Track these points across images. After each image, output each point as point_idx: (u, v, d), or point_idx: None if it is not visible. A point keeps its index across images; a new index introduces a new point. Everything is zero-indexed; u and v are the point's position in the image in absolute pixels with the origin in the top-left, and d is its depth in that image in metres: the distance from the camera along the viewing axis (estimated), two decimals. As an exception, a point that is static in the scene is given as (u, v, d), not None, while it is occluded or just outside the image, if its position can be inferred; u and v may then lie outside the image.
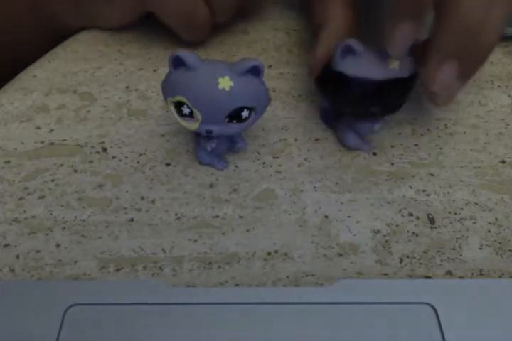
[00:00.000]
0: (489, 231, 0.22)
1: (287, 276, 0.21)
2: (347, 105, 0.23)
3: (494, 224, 0.23)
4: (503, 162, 0.25)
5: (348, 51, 0.22)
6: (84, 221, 0.23)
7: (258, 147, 0.26)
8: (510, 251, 0.22)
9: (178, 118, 0.21)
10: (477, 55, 0.21)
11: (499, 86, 0.29)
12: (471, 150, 0.26)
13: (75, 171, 0.25)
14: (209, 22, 0.29)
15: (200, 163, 0.25)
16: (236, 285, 0.21)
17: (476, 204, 0.23)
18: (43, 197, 0.24)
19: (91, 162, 0.25)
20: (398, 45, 0.21)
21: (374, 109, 0.22)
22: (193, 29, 0.29)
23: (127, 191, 0.24)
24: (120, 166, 0.25)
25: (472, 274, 0.21)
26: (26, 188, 0.24)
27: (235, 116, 0.21)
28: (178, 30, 0.29)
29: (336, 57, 0.22)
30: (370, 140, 0.26)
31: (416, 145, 0.26)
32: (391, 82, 0.22)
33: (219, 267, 0.21)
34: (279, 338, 0.19)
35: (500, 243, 0.22)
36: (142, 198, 0.24)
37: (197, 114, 0.21)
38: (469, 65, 0.21)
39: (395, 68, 0.22)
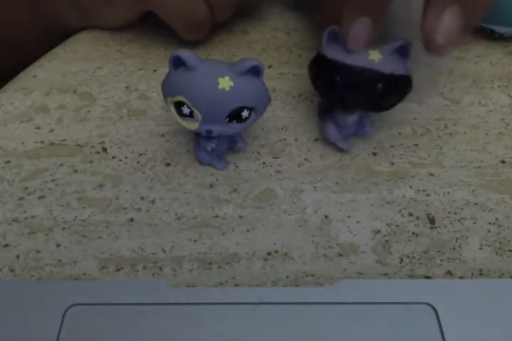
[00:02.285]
0: (489, 231, 0.22)
1: (287, 276, 0.21)
2: (323, 88, 0.23)
3: (494, 224, 0.23)
4: (503, 162, 0.25)
5: (334, 37, 0.22)
6: (84, 221, 0.23)
7: (258, 147, 0.26)
8: (510, 251, 0.22)
9: (178, 118, 0.21)
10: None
11: (499, 86, 0.29)
12: (471, 150, 0.26)
13: (75, 171, 0.25)
14: (209, 21, 0.29)
15: (200, 163, 0.25)
16: (236, 285, 0.21)
17: (476, 204, 0.23)
18: (43, 197, 0.24)
19: (91, 162, 0.25)
20: (355, 40, 0.22)
21: (348, 97, 0.22)
22: (192, 28, 0.29)
23: (127, 191, 0.24)
24: (120, 166, 0.25)
25: (472, 274, 0.21)
26: (26, 188, 0.24)
27: (235, 116, 0.21)
28: (178, 30, 0.29)
29: (322, 41, 0.23)
30: (353, 140, 0.26)
31: (416, 145, 0.26)
32: (368, 72, 0.22)
33: (219, 267, 0.21)
34: (279, 338, 0.19)
35: (500, 243, 0.22)
36: (142, 198, 0.24)
37: (197, 114, 0.21)
38: (472, 9, 0.21)
39: (374, 60, 0.22)
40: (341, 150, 0.25)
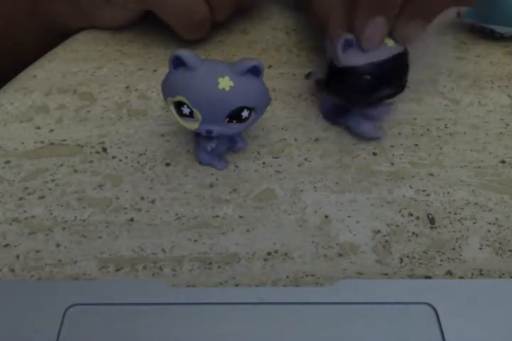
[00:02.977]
0: (489, 231, 0.22)
1: (287, 276, 0.21)
2: (364, 95, 0.23)
3: (494, 224, 0.23)
4: (503, 162, 0.25)
5: (347, 45, 0.22)
6: (84, 221, 0.23)
7: (258, 147, 0.26)
8: (510, 251, 0.22)
9: (178, 118, 0.21)
10: (435, 10, 0.23)
11: (499, 86, 0.29)
12: (471, 150, 0.26)
13: (75, 171, 0.25)
14: (208, 19, 0.29)
15: (200, 163, 0.25)
16: (236, 285, 0.21)
17: (476, 204, 0.23)
18: (43, 197, 0.24)
19: (91, 162, 0.25)
20: (371, 40, 0.22)
21: (387, 90, 0.23)
22: (192, 27, 0.29)
23: (127, 191, 0.24)
24: (120, 166, 0.25)
25: (472, 274, 0.21)
26: (26, 188, 0.24)
27: (235, 116, 0.21)
28: (178, 28, 0.29)
29: (338, 53, 0.22)
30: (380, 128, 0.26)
31: (416, 145, 0.26)
32: (392, 59, 0.22)
33: (219, 267, 0.21)
34: (279, 338, 0.19)
35: (500, 243, 0.22)
36: (142, 198, 0.24)
37: (197, 114, 0.21)
38: (430, 19, 0.23)
39: (392, 46, 0.23)
40: (376, 139, 0.26)
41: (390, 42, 0.23)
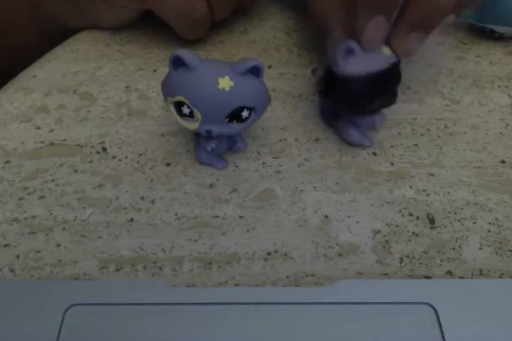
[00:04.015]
0: (489, 231, 0.22)
1: (287, 276, 0.21)
2: (359, 104, 0.23)
3: (494, 224, 0.23)
4: (503, 162, 0.25)
5: (349, 52, 0.22)
6: (84, 221, 0.23)
7: (258, 147, 0.26)
8: (510, 251, 0.22)
9: (178, 118, 0.21)
10: (435, 22, 0.23)
11: (499, 86, 0.29)
12: (471, 150, 0.26)
13: (75, 171, 0.25)
14: (208, 18, 0.29)
15: (200, 163, 0.25)
16: (236, 285, 0.21)
17: (476, 204, 0.23)
18: (43, 197, 0.24)
19: (91, 162, 0.25)
20: (371, 40, 0.22)
21: (380, 100, 0.23)
22: (192, 26, 0.29)
23: (127, 191, 0.24)
24: (120, 166, 0.25)
25: (472, 274, 0.21)
26: (26, 188, 0.24)
27: (235, 116, 0.21)
28: (177, 28, 0.29)
29: (340, 60, 0.22)
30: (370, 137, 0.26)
31: (416, 145, 0.26)
32: (389, 68, 0.22)
33: (219, 267, 0.21)
34: (279, 338, 0.19)
35: (500, 243, 0.22)
36: (142, 198, 0.24)
37: (197, 114, 0.21)
38: (429, 31, 0.24)
39: (388, 55, 0.22)
40: (366, 147, 0.25)
41: (387, 51, 0.22)
